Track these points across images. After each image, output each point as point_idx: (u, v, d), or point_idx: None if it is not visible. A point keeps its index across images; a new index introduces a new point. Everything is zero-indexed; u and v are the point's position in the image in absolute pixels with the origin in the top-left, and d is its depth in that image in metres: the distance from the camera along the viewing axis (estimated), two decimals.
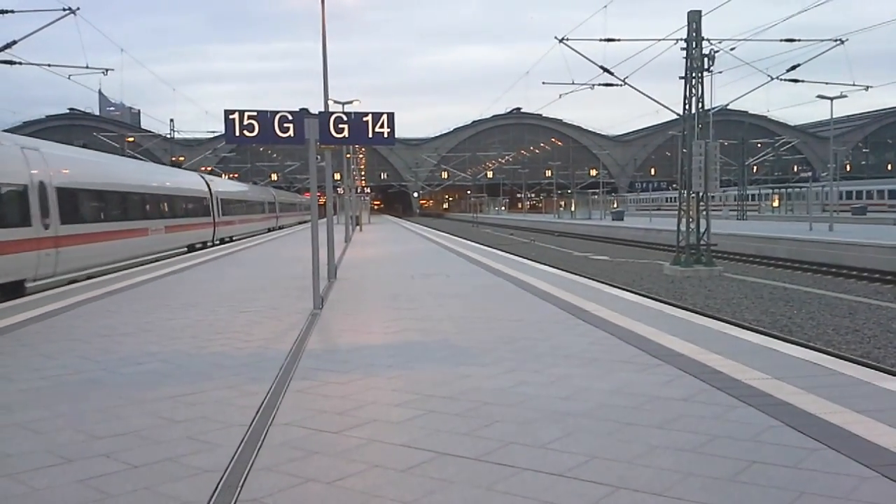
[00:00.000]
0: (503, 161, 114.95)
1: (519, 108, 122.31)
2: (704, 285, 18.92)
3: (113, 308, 10.24)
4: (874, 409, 4.65)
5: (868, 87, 29.80)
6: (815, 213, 51.04)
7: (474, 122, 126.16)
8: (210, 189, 32.45)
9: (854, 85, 29.58)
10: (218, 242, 32.73)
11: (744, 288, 18.19)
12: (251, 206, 43.55)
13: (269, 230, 48.94)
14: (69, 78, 26.26)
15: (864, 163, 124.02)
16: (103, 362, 6.57)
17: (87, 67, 25.63)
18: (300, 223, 63.63)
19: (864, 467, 3.68)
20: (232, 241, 34.76)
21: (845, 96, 34.78)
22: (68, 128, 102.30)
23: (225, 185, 38.95)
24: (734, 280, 19.83)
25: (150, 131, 73.74)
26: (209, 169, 60.26)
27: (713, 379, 5.53)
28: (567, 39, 21.76)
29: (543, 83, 28.76)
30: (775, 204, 68.41)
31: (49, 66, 25.08)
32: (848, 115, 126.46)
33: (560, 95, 30.31)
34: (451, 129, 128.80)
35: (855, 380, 5.42)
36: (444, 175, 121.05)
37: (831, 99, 34.51)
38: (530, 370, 5.96)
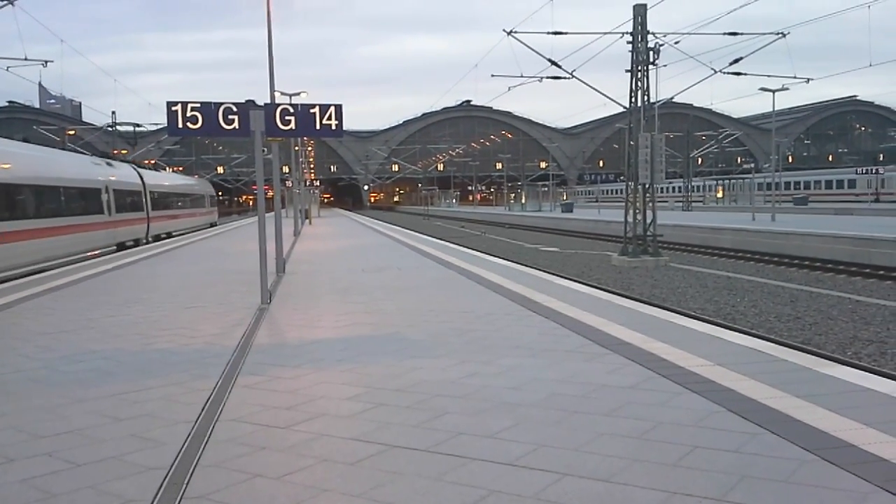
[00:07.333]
0: (454, 154, 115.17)
1: (469, 101, 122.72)
2: (651, 275, 19.21)
3: (54, 305, 10.00)
4: (814, 394, 4.77)
5: (809, 79, 30.48)
6: (758, 204, 52.17)
7: (424, 114, 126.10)
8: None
9: (795, 77, 30.20)
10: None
11: (689, 277, 18.51)
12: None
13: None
14: (7, 70, 25.59)
15: (805, 154, 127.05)
16: (45, 360, 6.42)
17: (25, 59, 25.01)
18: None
19: (804, 450, 3.77)
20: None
21: (787, 89, 35.56)
22: (8, 121, 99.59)
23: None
24: (679, 270, 20.17)
25: (91, 124, 72.21)
26: (153, 162, 60.19)
27: (659, 367, 5.62)
28: (515, 32, 21.85)
29: (492, 76, 28.95)
30: (719, 195, 69.75)
31: None
32: (790, 108, 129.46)
33: (509, 88, 30.75)
34: (401, 122, 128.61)
35: (796, 366, 5.56)
36: (395, 168, 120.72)
37: (773, 91, 35.19)
38: (481, 361, 5.99)
